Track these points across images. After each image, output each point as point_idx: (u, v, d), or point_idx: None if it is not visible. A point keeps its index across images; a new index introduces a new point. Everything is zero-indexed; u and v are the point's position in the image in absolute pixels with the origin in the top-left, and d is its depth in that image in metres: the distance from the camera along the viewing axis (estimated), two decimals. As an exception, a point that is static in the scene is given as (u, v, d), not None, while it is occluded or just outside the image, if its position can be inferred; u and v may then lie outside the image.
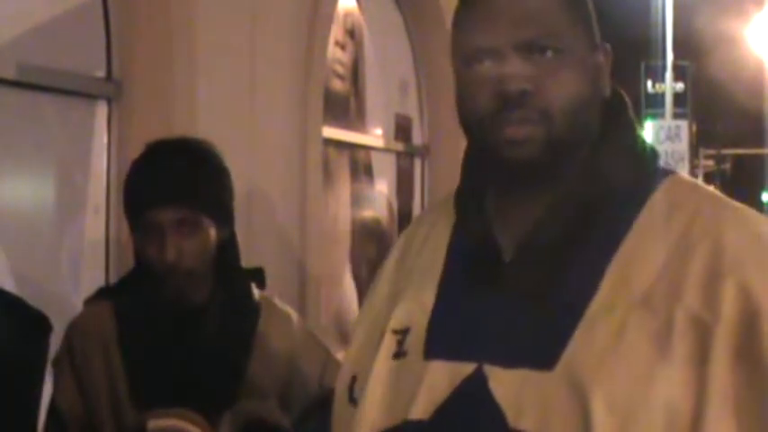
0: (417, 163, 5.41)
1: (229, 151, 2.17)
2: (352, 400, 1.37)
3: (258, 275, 2.24)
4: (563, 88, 1.23)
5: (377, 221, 4.89)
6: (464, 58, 1.26)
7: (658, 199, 1.27)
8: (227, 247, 2.12)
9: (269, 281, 2.27)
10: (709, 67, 23.15)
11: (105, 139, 2.88)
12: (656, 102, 18.71)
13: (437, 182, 5.38)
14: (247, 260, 2.24)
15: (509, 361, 1.21)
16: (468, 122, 1.27)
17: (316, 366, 2.19)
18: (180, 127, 2.70)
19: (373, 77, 4.81)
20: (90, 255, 2.84)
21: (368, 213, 4.80)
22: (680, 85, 19.24)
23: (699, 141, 27.12)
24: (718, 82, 23.36)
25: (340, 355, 1.80)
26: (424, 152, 5.39)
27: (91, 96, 2.85)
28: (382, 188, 5.02)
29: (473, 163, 1.36)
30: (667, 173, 1.32)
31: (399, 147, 5.15)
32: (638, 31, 18.09)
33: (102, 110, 2.88)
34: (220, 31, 3.17)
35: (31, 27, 2.64)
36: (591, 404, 1.14)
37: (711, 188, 1.35)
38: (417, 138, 5.36)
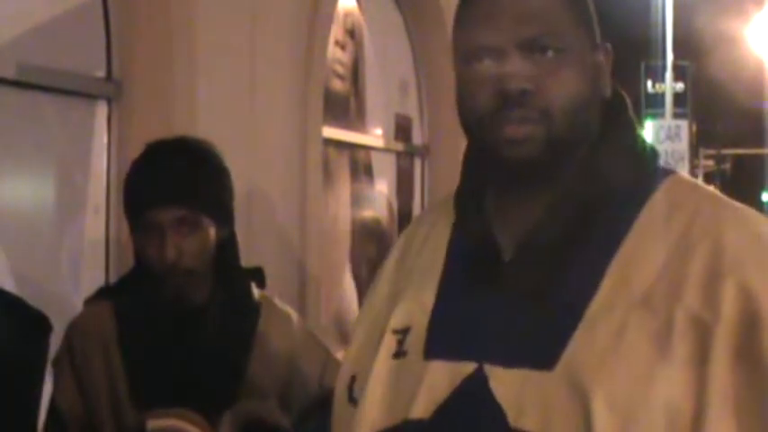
0: (417, 163, 5.41)
1: (229, 151, 2.17)
2: (352, 400, 1.37)
3: (258, 275, 2.24)
4: (563, 88, 1.23)
5: (377, 221, 4.89)
6: (465, 56, 1.26)
7: (658, 199, 1.27)
8: (227, 246, 2.12)
9: (269, 281, 2.27)
10: (709, 67, 23.16)
11: (105, 139, 2.88)
12: (656, 101, 18.71)
13: (437, 182, 5.38)
14: (247, 260, 2.24)
15: (509, 361, 1.21)
16: (468, 121, 1.27)
17: (316, 366, 2.19)
18: (180, 127, 2.70)
19: (373, 77, 4.81)
20: (90, 255, 2.84)
21: (368, 213, 4.80)
22: (680, 85, 19.24)
23: (699, 141, 27.13)
24: (718, 82, 23.37)
25: (340, 355, 1.80)
26: (424, 152, 5.39)
27: (91, 96, 2.85)
28: (382, 188, 5.02)
29: (473, 162, 1.36)
30: (667, 173, 1.32)
31: (399, 147, 5.15)
32: (638, 31, 18.10)
33: (102, 110, 2.88)
34: (220, 31, 3.17)
35: (31, 27, 2.64)
36: (591, 404, 1.14)
37: (711, 188, 1.35)
38: (417, 138, 5.36)
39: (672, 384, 1.14)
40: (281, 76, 3.60)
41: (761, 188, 28.49)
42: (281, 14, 3.60)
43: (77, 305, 2.27)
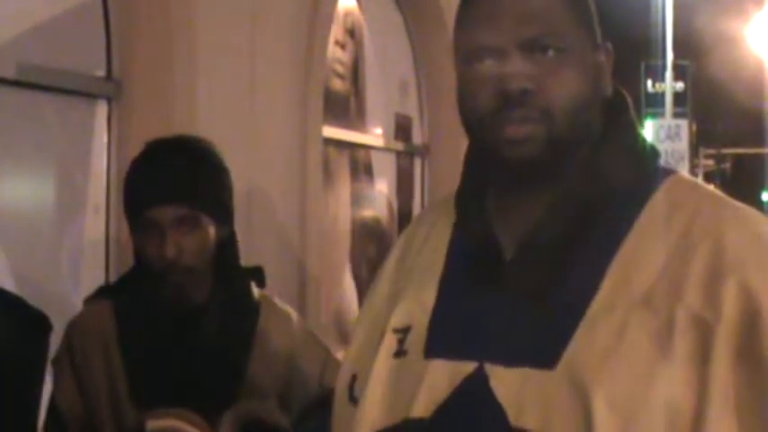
0: (417, 163, 5.41)
1: (229, 151, 2.17)
2: (353, 400, 1.37)
3: (258, 274, 2.23)
4: (564, 87, 1.23)
5: (377, 221, 4.89)
6: (466, 56, 1.26)
7: (659, 199, 1.27)
8: (227, 245, 2.12)
9: (269, 280, 2.27)
10: (709, 67, 23.16)
11: (105, 139, 2.88)
12: (656, 101, 18.71)
13: (437, 182, 5.39)
14: (247, 259, 2.23)
15: (510, 360, 1.21)
16: (469, 121, 1.27)
17: (315, 365, 2.19)
18: (180, 127, 2.70)
19: (373, 77, 4.81)
20: (90, 255, 2.84)
21: (368, 213, 4.80)
22: (680, 85, 19.24)
23: (699, 141, 27.13)
24: (718, 82, 23.38)
25: (340, 355, 1.80)
26: (424, 152, 5.39)
27: (91, 96, 2.85)
28: (382, 188, 5.02)
29: (474, 162, 1.36)
30: (668, 172, 1.32)
31: (399, 146, 5.15)
32: (638, 30, 18.09)
33: (102, 109, 2.88)
34: (220, 31, 3.17)
35: (31, 27, 2.64)
36: (592, 403, 1.14)
37: (712, 187, 1.35)
38: (417, 137, 5.36)
39: (672, 384, 1.14)
40: (281, 76, 3.60)
41: (761, 188, 28.49)
42: (281, 14, 3.60)
43: (77, 305, 2.26)
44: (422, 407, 1.25)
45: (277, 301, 2.24)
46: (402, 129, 5.19)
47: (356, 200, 4.65)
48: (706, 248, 1.19)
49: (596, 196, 1.26)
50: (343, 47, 4.44)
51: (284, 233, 3.59)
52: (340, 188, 4.47)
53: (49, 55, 2.68)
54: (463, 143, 1.36)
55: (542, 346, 1.20)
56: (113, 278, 2.72)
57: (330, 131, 4.15)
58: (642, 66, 19.05)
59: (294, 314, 2.26)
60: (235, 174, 2.13)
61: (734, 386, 1.13)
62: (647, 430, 1.13)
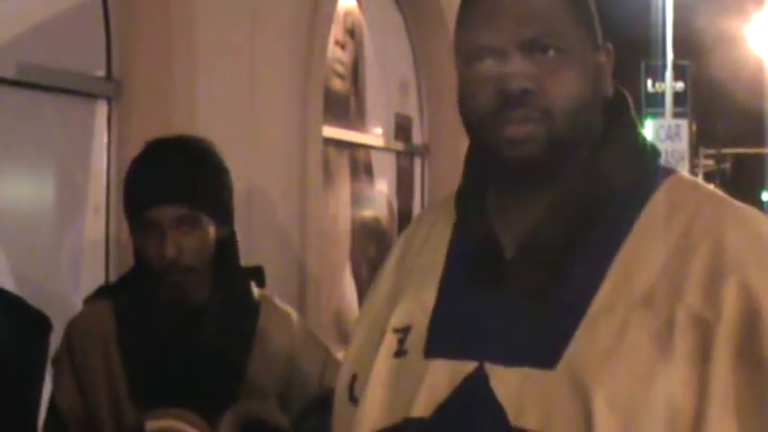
0: (417, 163, 5.41)
1: (229, 151, 2.17)
2: (353, 399, 1.37)
3: (258, 274, 2.23)
4: (565, 87, 1.23)
5: (377, 221, 4.89)
6: (466, 56, 1.27)
7: (659, 199, 1.27)
8: (227, 245, 2.12)
9: (269, 280, 2.27)
10: (709, 67, 23.17)
11: (105, 139, 2.88)
12: (656, 101, 18.70)
13: (437, 182, 5.38)
14: (247, 259, 2.23)
15: (510, 359, 1.21)
16: (470, 121, 1.28)
17: (316, 365, 2.19)
18: (180, 127, 2.70)
19: (373, 77, 4.81)
20: (90, 255, 2.84)
21: (368, 213, 4.80)
22: (680, 85, 19.23)
23: (699, 141, 27.14)
24: (718, 81, 23.38)
25: (340, 355, 1.80)
26: (424, 152, 5.39)
27: (91, 96, 2.85)
28: (382, 188, 5.02)
29: (474, 162, 1.36)
30: (668, 172, 1.32)
31: (399, 146, 5.15)
32: (638, 30, 18.09)
33: (102, 109, 2.88)
34: (220, 31, 3.17)
35: (31, 27, 2.64)
36: (593, 403, 1.14)
37: (712, 187, 1.35)
38: (417, 137, 5.36)
39: (673, 383, 1.14)
40: (281, 76, 3.60)
41: (761, 188, 28.49)
42: (281, 14, 3.60)
43: (77, 305, 2.26)
44: (422, 406, 1.25)
45: (277, 301, 2.24)
46: (402, 129, 5.19)
47: (356, 200, 4.65)
48: (706, 248, 1.19)
49: (596, 196, 1.26)
50: (343, 47, 4.44)
51: (284, 233, 3.59)
52: (340, 188, 4.47)
53: (49, 55, 2.68)
54: (463, 143, 1.36)
55: (542, 345, 1.20)
56: (113, 278, 2.72)
57: (330, 131, 4.15)
58: (642, 66, 19.04)
59: (294, 314, 2.25)
60: (235, 174, 2.13)
61: (734, 386, 1.13)
62: (648, 430, 1.13)
